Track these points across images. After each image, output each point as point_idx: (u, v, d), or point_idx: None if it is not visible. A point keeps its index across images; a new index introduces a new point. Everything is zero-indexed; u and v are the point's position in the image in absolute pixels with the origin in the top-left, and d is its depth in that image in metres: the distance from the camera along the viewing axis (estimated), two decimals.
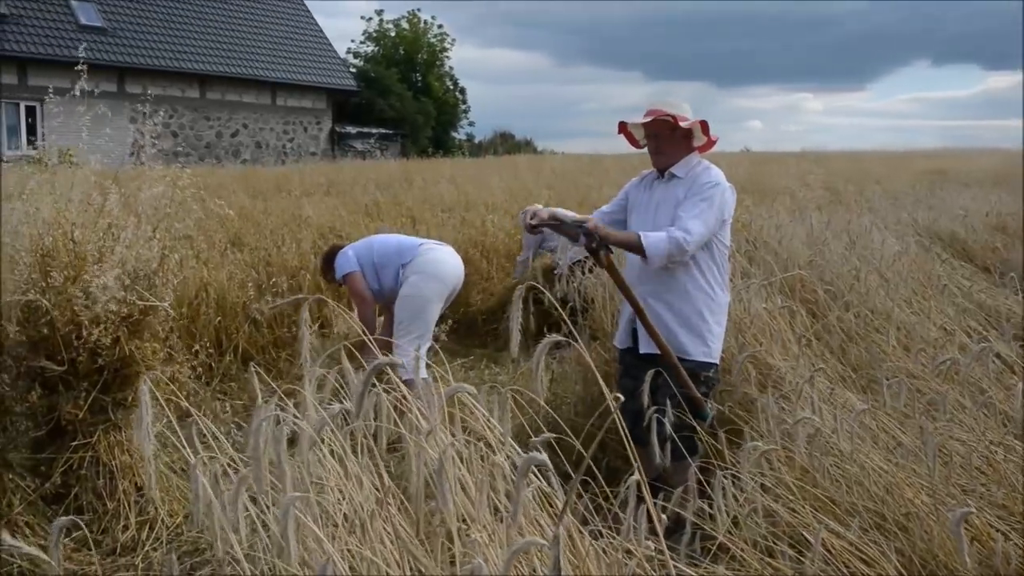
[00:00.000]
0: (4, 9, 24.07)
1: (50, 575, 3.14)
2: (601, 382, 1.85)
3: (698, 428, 3.25)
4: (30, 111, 24.01)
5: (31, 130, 23.93)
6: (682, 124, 3.36)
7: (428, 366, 2.53)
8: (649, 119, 3.38)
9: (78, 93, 3.93)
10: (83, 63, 4.10)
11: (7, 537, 1.53)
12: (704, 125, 3.43)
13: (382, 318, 5.40)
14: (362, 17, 64.44)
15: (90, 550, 3.42)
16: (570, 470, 1.78)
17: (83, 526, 3.27)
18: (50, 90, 5.31)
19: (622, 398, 1.84)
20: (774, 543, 2.48)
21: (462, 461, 1.79)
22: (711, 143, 3.53)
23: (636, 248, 3.27)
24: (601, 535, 1.91)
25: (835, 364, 4.04)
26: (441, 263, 5.09)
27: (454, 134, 40.22)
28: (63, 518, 1.51)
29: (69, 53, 23.99)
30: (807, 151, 21.50)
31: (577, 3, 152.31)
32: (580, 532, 1.76)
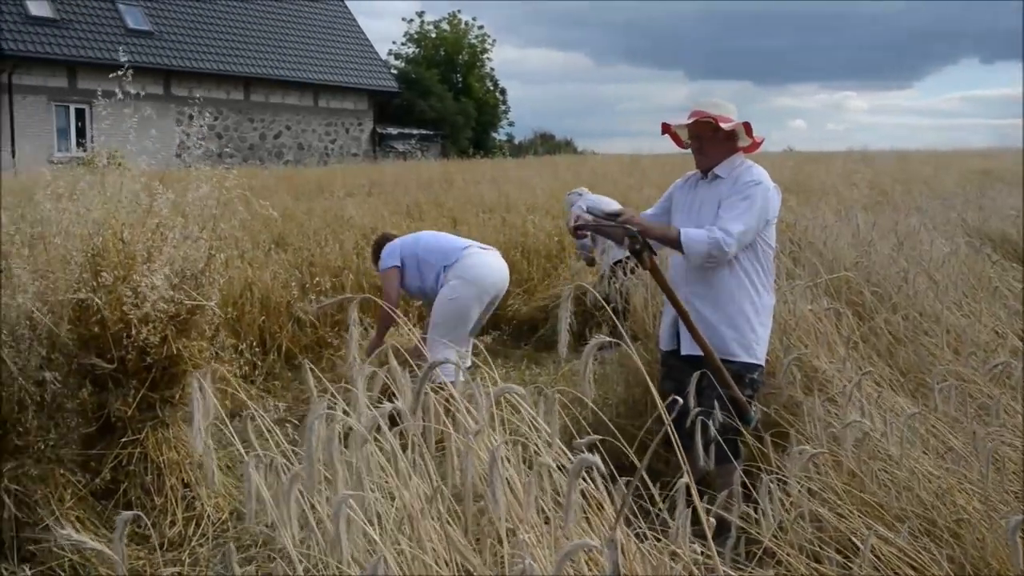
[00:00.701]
0: (55, 14, 24.61)
1: (104, 569, 3.20)
2: (650, 383, 1.83)
3: (742, 431, 3.21)
4: (79, 114, 24.53)
5: (80, 132, 24.45)
6: (723, 126, 3.33)
7: (473, 367, 2.53)
8: (691, 120, 3.39)
9: (122, 96, 4.00)
10: (128, 66, 4.17)
11: (71, 532, 1.55)
12: (747, 127, 3.41)
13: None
14: (403, 19, 64.94)
15: (139, 545, 3.48)
16: (614, 472, 1.77)
17: (143, 521, 3.33)
18: (99, 92, 5.42)
19: (681, 400, 1.83)
20: (821, 548, 2.45)
21: (509, 461, 1.79)
22: (756, 144, 3.50)
23: (675, 243, 3.28)
24: (646, 537, 1.90)
25: (883, 367, 3.97)
26: (483, 267, 5.05)
27: (494, 135, 40.29)
28: (127, 513, 1.53)
29: (117, 56, 24.48)
30: (853, 150, 21.18)
31: (617, 2, 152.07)
32: (626, 534, 1.75)
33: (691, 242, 3.24)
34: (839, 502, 2.63)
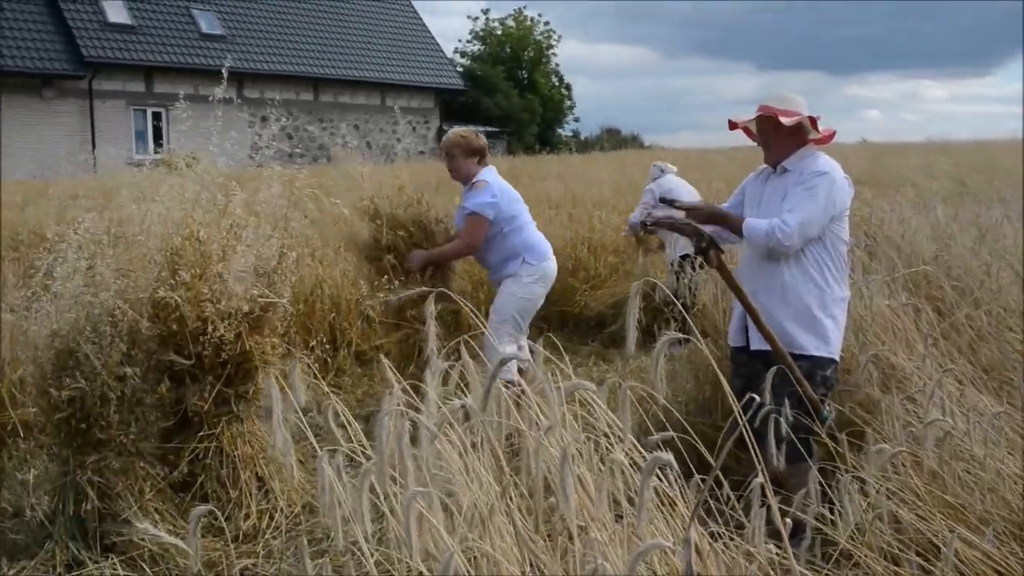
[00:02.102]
0: (132, 20, 25.39)
1: (182, 560, 3.29)
2: (723, 380, 1.80)
3: (815, 429, 3.14)
4: (156, 116, 25.28)
5: (157, 135, 25.20)
6: (784, 121, 3.28)
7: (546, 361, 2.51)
8: (753, 117, 3.43)
9: (219, 98, 4.09)
10: (225, 72, 4.26)
11: (148, 527, 1.59)
12: (812, 121, 3.35)
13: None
14: (468, 16, 65.21)
15: (215, 537, 3.56)
16: (682, 469, 1.75)
17: (217, 514, 3.40)
18: (181, 96, 5.56)
19: (757, 398, 1.79)
20: (900, 551, 2.38)
21: (581, 457, 1.78)
22: (828, 137, 3.44)
23: (736, 228, 3.36)
24: (719, 537, 1.87)
25: (964, 364, 3.84)
26: (553, 277, 5.04)
27: (560, 131, 40.23)
28: (200, 507, 1.57)
29: (192, 61, 25.15)
30: (931, 140, 20.56)
31: None
32: (700, 533, 1.72)
33: (751, 231, 3.31)
34: (919, 503, 2.56)
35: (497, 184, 4.85)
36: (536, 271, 4.89)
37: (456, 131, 5.01)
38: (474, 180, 4.84)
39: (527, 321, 4.91)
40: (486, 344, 4.50)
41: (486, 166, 4.94)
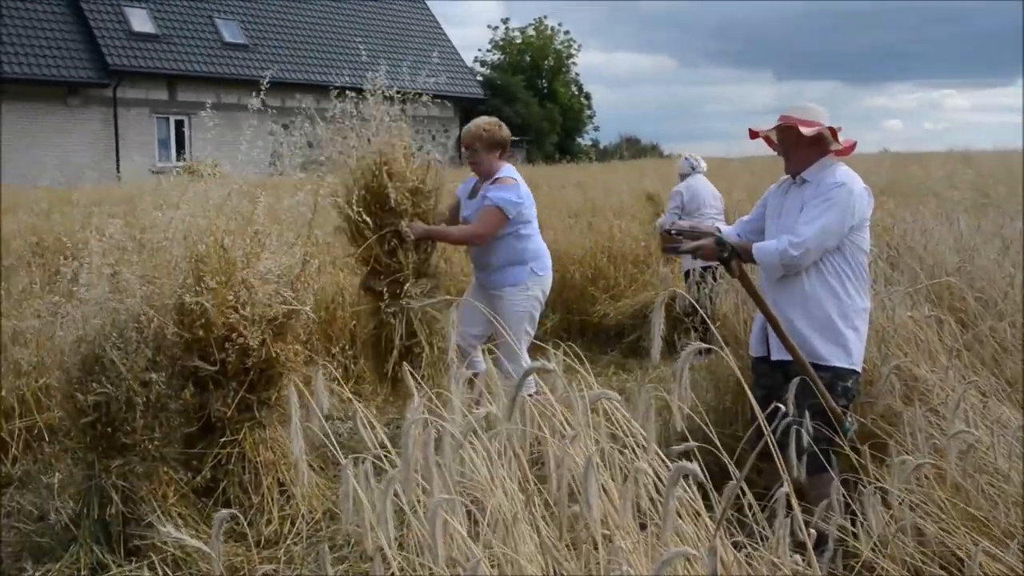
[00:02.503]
0: (156, 29, 25.67)
1: (204, 564, 3.31)
2: (747, 390, 1.80)
3: (837, 440, 3.13)
4: (179, 125, 25.52)
5: (180, 142, 25.44)
6: (804, 131, 3.28)
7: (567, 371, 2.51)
8: (773, 126, 3.42)
9: (255, 108, 4.15)
10: (265, 83, 4.31)
11: (172, 530, 1.61)
12: (833, 132, 3.34)
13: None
14: (488, 26, 65.39)
15: (237, 542, 3.59)
16: (704, 479, 1.75)
17: (240, 519, 3.43)
18: (208, 104, 5.61)
19: (781, 407, 1.79)
20: (923, 563, 2.36)
21: (605, 466, 1.78)
22: (849, 148, 3.44)
23: (749, 258, 3.33)
24: (742, 547, 1.87)
25: (988, 377, 3.81)
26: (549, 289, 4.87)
27: (579, 139, 40.27)
28: (224, 511, 1.59)
29: (215, 69, 25.38)
30: (953, 150, 20.40)
31: (703, 3, 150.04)
32: (724, 543, 1.72)
33: (763, 256, 3.30)
34: (943, 516, 2.54)
35: (523, 185, 4.68)
36: (541, 283, 4.73)
37: (478, 122, 4.80)
38: (498, 175, 4.64)
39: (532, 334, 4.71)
40: (503, 356, 4.41)
41: (505, 161, 4.76)
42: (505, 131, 4.78)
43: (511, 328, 4.44)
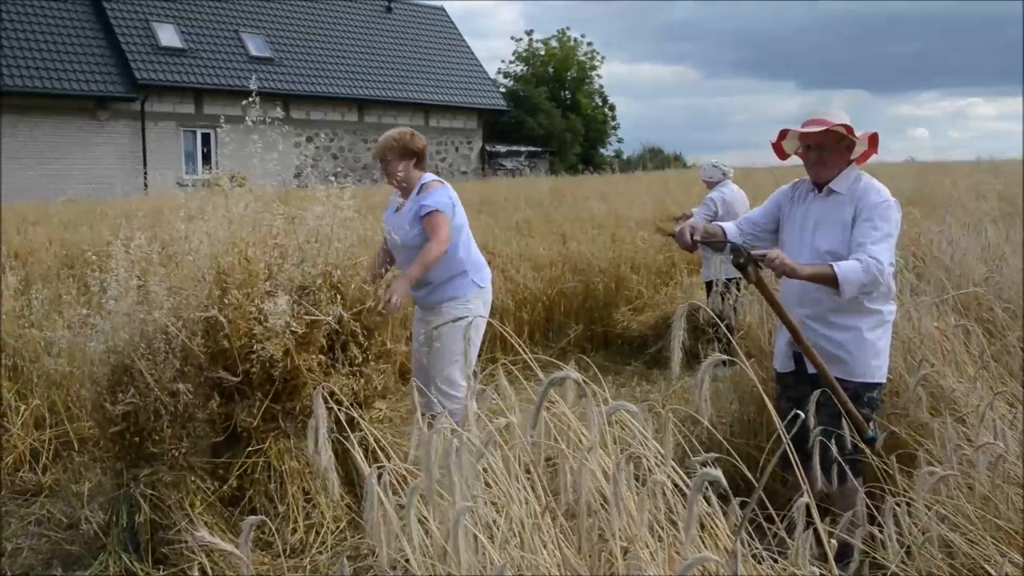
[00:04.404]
0: (183, 44, 26.00)
1: (231, 572, 3.34)
2: (769, 404, 1.80)
3: (864, 451, 3.11)
4: (205, 138, 25.82)
5: (206, 156, 25.74)
6: (859, 135, 3.23)
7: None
8: (820, 129, 3.23)
9: (252, 122, 4.18)
10: (255, 94, 4.31)
11: (204, 534, 1.63)
12: (874, 138, 3.30)
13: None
14: (512, 38, 65.63)
15: (263, 551, 3.61)
16: (729, 491, 1.74)
17: (268, 525, 3.46)
18: (222, 119, 5.66)
19: (803, 415, 1.79)
20: (951, 575, 2.34)
21: (621, 477, 1.78)
22: (867, 155, 3.38)
23: (830, 281, 3.10)
24: (763, 558, 1.86)
25: (1016, 387, 3.77)
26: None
27: (602, 150, 40.28)
28: (252, 517, 1.61)
29: (241, 83, 25.68)
30: (981, 159, 20.16)
31: (724, 9, 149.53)
32: (744, 554, 1.72)
33: (847, 276, 3.07)
34: (970, 527, 2.51)
35: (451, 188, 4.45)
36: (483, 294, 4.46)
37: (389, 133, 4.51)
38: (423, 182, 4.40)
39: (476, 352, 3.97)
40: (435, 395, 4.05)
41: (424, 171, 4.50)
42: (419, 139, 4.51)
43: (446, 345, 4.22)
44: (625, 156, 40.80)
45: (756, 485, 1.55)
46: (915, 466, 2.89)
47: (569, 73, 39.82)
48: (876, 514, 2.42)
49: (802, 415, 1.92)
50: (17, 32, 23.33)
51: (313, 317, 3.87)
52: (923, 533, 2.38)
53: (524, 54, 40.31)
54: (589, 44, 40.99)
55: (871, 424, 3.24)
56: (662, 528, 1.78)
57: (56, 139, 23.25)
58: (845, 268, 3.08)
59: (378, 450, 2.16)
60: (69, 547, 3.75)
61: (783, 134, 3.43)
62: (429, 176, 4.48)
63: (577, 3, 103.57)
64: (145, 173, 23.86)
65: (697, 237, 3.25)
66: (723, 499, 1.84)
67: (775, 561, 1.86)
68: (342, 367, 4.05)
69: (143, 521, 3.53)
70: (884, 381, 3.37)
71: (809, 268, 3.14)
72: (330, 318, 3.93)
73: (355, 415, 2.59)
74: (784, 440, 1.74)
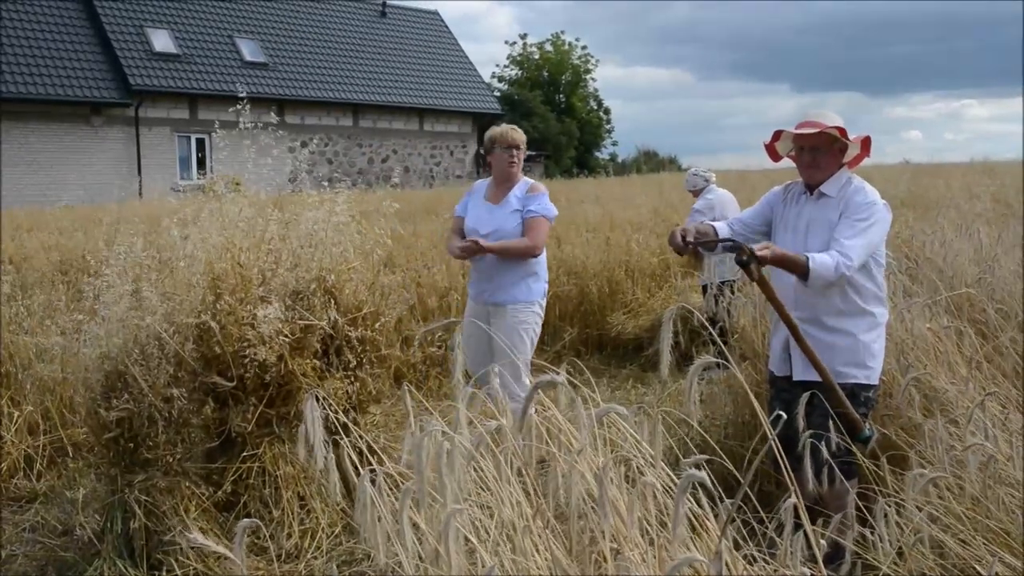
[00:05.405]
0: (177, 49, 26.00)
1: (224, 574, 3.34)
2: (756, 405, 1.81)
3: (855, 452, 3.12)
4: (199, 143, 25.81)
5: (200, 161, 25.73)
6: (852, 138, 3.24)
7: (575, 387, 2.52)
8: (814, 131, 3.23)
9: (244, 127, 4.18)
10: (246, 100, 4.33)
11: (199, 536, 1.64)
12: (867, 141, 3.32)
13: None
14: (506, 42, 65.72)
15: (258, 556, 3.61)
16: (722, 492, 1.75)
17: (262, 530, 3.46)
18: (216, 124, 5.67)
19: (785, 416, 1.79)
20: None
21: (612, 481, 1.79)
22: (859, 158, 3.39)
23: (800, 269, 3.12)
24: (755, 560, 1.87)
25: (1008, 388, 3.78)
26: None
27: (597, 153, 40.34)
28: (246, 520, 1.61)
29: (235, 88, 25.67)
30: (974, 161, 20.24)
31: (719, 13, 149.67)
32: (734, 555, 1.73)
33: (818, 269, 3.09)
34: (961, 528, 2.52)
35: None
36: (544, 297, 4.60)
37: (512, 127, 4.72)
38: (529, 182, 4.56)
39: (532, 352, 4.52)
40: (509, 376, 3.97)
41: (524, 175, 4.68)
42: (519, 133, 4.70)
43: (515, 345, 4.35)
44: (620, 159, 40.91)
45: (749, 488, 1.56)
46: (907, 467, 2.90)
47: (564, 76, 39.90)
48: (867, 515, 2.43)
49: (784, 416, 1.92)
50: (11, 39, 23.30)
51: (307, 322, 3.88)
52: (914, 534, 2.39)
53: (519, 58, 40.41)
54: (584, 48, 41.15)
55: (866, 423, 3.25)
56: (653, 529, 1.79)
57: (51, 145, 23.22)
58: (819, 260, 3.10)
59: (371, 454, 2.16)
60: (64, 553, 3.74)
61: (777, 135, 3.45)
62: (527, 178, 4.62)
63: (571, 6, 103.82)
64: (140, 178, 23.84)
65: (689, 239, 3.25)
66: (720, 500, 1.85)
67: (766, 562, 1.87)
68: (336, 372, 4.06)
69: (138, 527, 3.53)
70: (877, 383, 3.39)
71: (789, 253, 3.14)
72: (324, 323, 3.95)
73: (348, 420, 2.59)
74: (774, 443, 1.75)
